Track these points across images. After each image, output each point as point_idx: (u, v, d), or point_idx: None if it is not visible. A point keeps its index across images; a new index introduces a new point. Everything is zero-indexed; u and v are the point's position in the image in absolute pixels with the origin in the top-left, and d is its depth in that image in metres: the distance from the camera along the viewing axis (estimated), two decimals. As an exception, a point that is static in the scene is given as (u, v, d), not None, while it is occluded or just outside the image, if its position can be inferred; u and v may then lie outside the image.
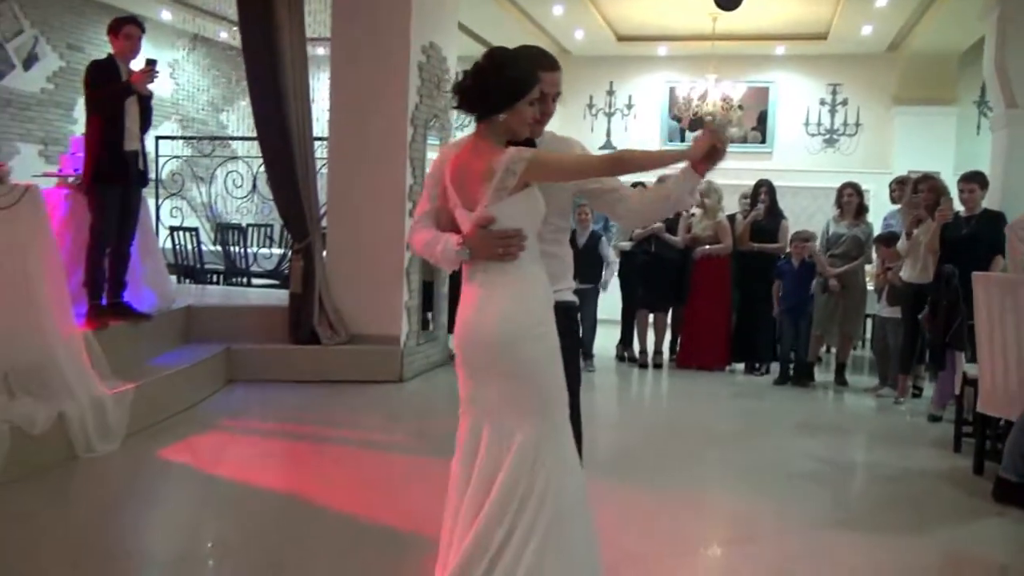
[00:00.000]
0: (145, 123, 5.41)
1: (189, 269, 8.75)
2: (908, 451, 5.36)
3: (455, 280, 7.70)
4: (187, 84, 11.34)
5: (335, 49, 6.76)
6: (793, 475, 4.77)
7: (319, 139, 7.03)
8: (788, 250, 7.38)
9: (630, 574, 3.21)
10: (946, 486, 4.61)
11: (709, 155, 2.42)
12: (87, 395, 4.48)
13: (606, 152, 2.44)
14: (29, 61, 9.11)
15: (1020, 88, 6.26)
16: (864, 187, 9.19)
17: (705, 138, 2.41)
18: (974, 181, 5.98)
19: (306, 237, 6.54)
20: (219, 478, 4.35)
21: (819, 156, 11.46)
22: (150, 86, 5.40)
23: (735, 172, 10.68)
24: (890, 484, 4.72)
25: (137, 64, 5.38)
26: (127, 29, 5.32)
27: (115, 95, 5.22)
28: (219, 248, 9.20)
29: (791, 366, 7.29)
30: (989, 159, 7.27)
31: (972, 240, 5.83)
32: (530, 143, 2.50)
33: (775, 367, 7.45)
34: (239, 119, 12.13)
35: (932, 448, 5.38)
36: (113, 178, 5.24)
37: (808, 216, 10.56)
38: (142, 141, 5.40)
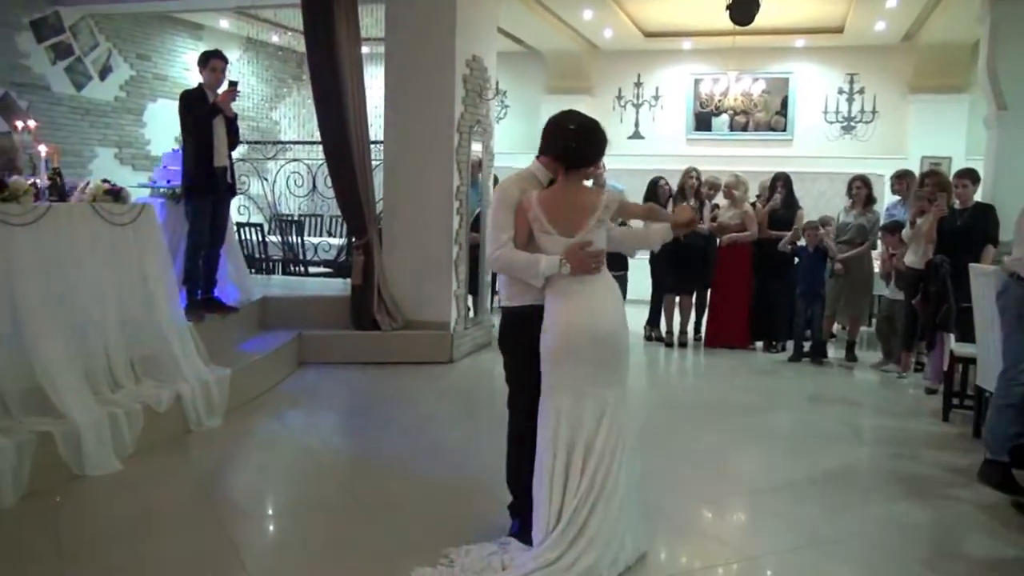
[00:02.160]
0: (232, 141, 6.19)
1: (254, 260, 9.58)
2: (905, 420, 6.03)
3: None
4: (242, 84, 12.14)
5: (389, 64, 7.49)
6: (806, 439, 5.48)
7: (373, 143, 7.78)
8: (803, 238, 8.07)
9: (662, 524, 3.84)
10: (933, 451, 5.28)
11: (686, 224, 3.45)
12: (196, 378, 5.30)
13: (644, 204, 3.43)
14: (104, 72, 9.97)
15: (1009, 92, 6.82)
16: (879, 172, 9.84)
17: (687, 212, 3.45)
18: (967, 177, 6.58)
19: (365, 234, 7.31)
20: (309, 446, 5.14)
21: (837, 143, 12.03)
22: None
23: (759, 160, 11.37)
24: (888, 448, 5.41)
25: (222, 88, 6.17)
26: (213, 63, 6.08)
27: (204, 117, 6.00)
28: (276, 238, 10.03)
29: (805, 344, 7.98)
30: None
31: (965, 231, 6.44)
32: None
33: (791, 345, 8.14)
34: (291, 116, 12.93)
35: (926, 417, 6.06)
36: (205, 191, 6.04)
37: (827, 200, 11.16)
38: (230, 157, 6.20)
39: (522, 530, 3.48)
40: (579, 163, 3.28)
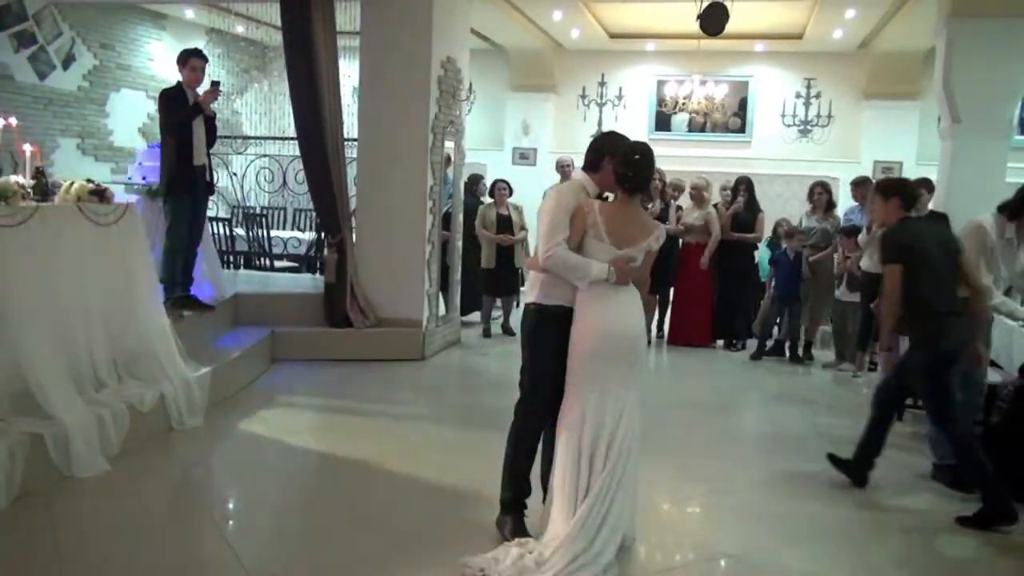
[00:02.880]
0: (211, 140, 6.21)
1: (220, 255, 9.52)
2: (861, 420, 6.29)
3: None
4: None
5: (363, 63, 7.53)
6: (770, 437, 5.72)
7: (346, 140, 7.80)
8: (768, 236, 8.35)
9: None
10: (892, 450, 5.46)
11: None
12: (178, 377, 5.34)
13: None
14: (67, 61, 9.81)
15: (963, 105, 7.14)
16: (834, 175, 10.15)
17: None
18: (923, 186, 6.85)
19: (339, 233, 7.36)
20: (289, 444, 5.20)
21: (794, 145, 12.37)
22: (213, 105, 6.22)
23: (719, 160, 11.66)
24: (850, 447, 5.56)
25: (203, 86, 6.19)
26: (193, 61, 6.10)
27: (186, 116, 6.02)
28: (241, 232, 9.98)
29: (768, 343, 8.27)
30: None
31: (919, 238, 6.73)
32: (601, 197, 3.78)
33: (751, 343, 8.41)
34: (261, 112, 12.85)
35: (881, 416, 6.35)
36: (185, 189, 6.06)
37: (783, 201, 11.50)
38: (208, 155, 6.22)
39: (516, 527, 3.66)
40: (640, 188, 3.65)
